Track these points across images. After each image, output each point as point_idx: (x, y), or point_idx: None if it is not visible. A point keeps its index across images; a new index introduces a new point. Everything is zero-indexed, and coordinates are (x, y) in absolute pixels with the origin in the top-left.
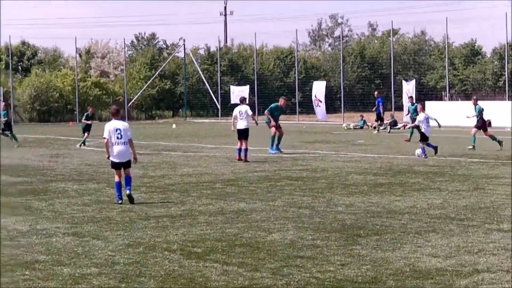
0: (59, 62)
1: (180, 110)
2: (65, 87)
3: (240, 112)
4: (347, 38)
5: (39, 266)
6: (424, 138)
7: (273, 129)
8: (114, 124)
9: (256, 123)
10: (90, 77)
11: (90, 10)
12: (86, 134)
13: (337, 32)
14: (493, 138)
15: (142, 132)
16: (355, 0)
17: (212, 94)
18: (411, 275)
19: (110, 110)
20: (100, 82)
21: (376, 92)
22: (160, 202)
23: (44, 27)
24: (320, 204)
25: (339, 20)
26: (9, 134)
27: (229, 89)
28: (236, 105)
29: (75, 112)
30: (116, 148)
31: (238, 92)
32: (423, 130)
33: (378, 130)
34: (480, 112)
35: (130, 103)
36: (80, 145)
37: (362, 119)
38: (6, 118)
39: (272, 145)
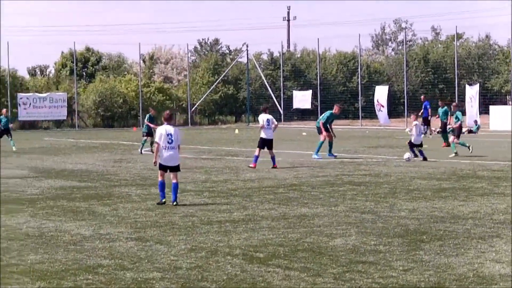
0: (123, 68)
1: (243, 115)
2: (128, 92)
3: (268, 121)
4: (410, 42)
5: (102, 271)
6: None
7: (322, 136)
8: (166, 129)
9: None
10: (154, 82)
11: (153, 16)
12: (147, 137)
13: (400, 37)
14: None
15: (205, 137)
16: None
17: (274, 99)
18: (474, 281)
19: (163, 115)
20: (163, 87)
21: (422, 96)
22: (223, 207)
23: (108, 33)
24: (383, 209)
25: (403, 25)
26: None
27: (292, 94)
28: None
29: (139, 117)
30: (166, 153)
31: (301, 97)
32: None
33: (430, 134)
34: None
35: (193, 108)
36: (141, 151)
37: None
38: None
39: (317, 151)
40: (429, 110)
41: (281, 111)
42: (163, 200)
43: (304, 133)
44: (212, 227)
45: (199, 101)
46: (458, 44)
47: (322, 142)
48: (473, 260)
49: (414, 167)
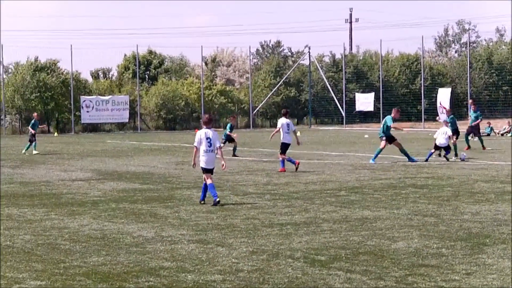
0: (185, 70)
1: (305, 117)
2: (190, 95)
3: (288, 125)
4: (474, 44)
5: (164, 273)
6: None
7: (383, 143)
8: (205, 133)
9: (298, 143)
10: (216, 85)
11: (216, 18)
12: (233, 143)
13: (464, 38)
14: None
15: (267, 139)
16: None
17: (336, 102)
18: None
19: (202, 119)
20: (225, 90)
21: (470, 101)
22: (284, 209)
23: (171, 36)
24: (445, 212)
25: (466, 26)
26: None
27: (354, 96)
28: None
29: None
30: (206, 156)
31: (364, 99)
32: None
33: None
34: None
35: (255, 111)
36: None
37: (489, 126)
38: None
39: (375, 157)
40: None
41: (343, 114)
42: (202, 202)
43: (366, 136)
44: (273, 229)
45: (261, 104)
46: None
47: (382, 150)
48: None
49: (477, 170)
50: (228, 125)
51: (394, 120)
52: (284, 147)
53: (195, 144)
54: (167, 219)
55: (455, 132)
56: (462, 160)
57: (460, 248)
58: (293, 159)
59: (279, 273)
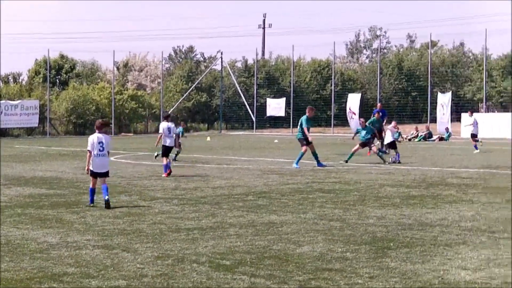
0: (96, 75)
1: (216, 122)
2: (101, 100)
3: (170, 129)
4: (385, 50)
5: (67, 279)
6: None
7: (305, 147)
8: (98, 137)
9: (179, 145)
10: (127, 90)
11: (129, 23)
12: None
13: (375, 44)
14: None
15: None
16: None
17: (247, 107)
18: (440, 287)
19: (95, 124)
20: (136, 95)
21: (379, 104)
22: (191, 214)
23: (83, 41)
24: (351, 217)
25: (378, 32)
26: None
27: (265, 101)
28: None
29: (111, 125)
30: (98, 160)
31: (275, 104)
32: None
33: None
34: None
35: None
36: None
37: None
38: None
39: (298, 160)
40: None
41: (254, 119)
42: (91, 205)
43: (276, 141)
44: (180, 234)
45: (172, 109)
46: (432, 51)
47: (304, 153)
48: (438, 267)
49: (384, 175)
50: (180, 129)
51: (310, 119)
52: (165, 150)
53: (88, 148)
54: (73, 225)
55: (372, 139)
56: (394, 162)
57: (364, 252)
58: (169, 166)
59: (184, 278)
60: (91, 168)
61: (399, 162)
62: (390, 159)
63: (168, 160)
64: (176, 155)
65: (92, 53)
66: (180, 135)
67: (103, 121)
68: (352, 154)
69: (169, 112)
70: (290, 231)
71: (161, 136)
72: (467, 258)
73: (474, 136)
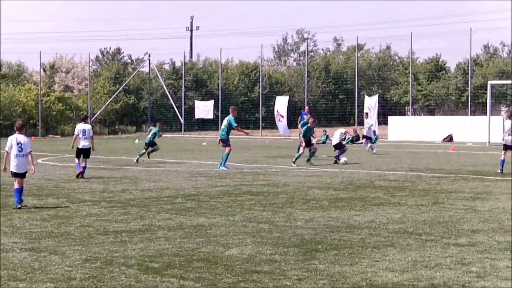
0: (23, 77)
1: (144, 125)
2: (28, 101)
3: (84, 131)
4: (312, 53)
5: None
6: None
7: (228, 148)
8: (16, 138)
9: (93, 148)
10: (54, 92)
11: (55, 24)
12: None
13: (302, 47)
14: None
15: (105, 147)
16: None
17: (176, 109)
18: None
19: (15, 125)
20: (63, 97)
21: (307, 108)
22: (120, 217)
23: (8, 42)
24: (279, 219)
25: (305, 35)
26: None
27: (194, 104)
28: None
29: (38, 126)
30: (16, 160)
31: (203, 107)
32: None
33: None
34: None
35: (94, 117)
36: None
37: (325, 134)
38: None
39: (224, 162)
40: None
41: (182, 121)
42: (19, 207)
43: (204, 143)
44: (108, 237)
45: (100, 111)
46: (359, 55)
47: (228, 154)
48: (366, 269)
49: (312, 177)
50: (156, 130)
51: (235, 118)
52: (78, 152)
53: (6, 149)
54: None
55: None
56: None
57: (293, 254)
58: (80, 167)
59: (112, 281)
60: (11, 169)
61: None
62: (342, 160)
63: (79, 161)
64: (150, 152)
65: (18, 54)
66: (157, 135)
67: (23, 122)
68: (311, 153)
69: (87, 114)
70: (219, 234)
71: (75, 137)
72: (395, 260)
73: (366, 137)
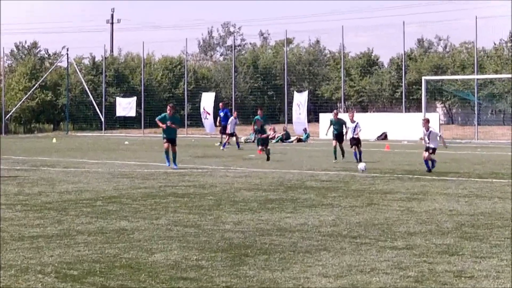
0: None
1: (62, 123)
2: None
3: None
4: (239, 47)
5: None
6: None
7: (167, 144)
8: None
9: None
10: None
11: None
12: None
13: (229, 41)
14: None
15: (20, 146)
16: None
17: (96, 106)
18: None
19: None
20: None
21: (221, 104)
22: (36, 221)
23: None
24: (206, 222)
25: (231, 29)
26: None
27: (115, 101)
28: (122, 118)
29: None
30: None
31: (125, 104)
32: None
33: (221, 143)
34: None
35: (8, 115)
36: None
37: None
38: None
39: (169, 160)
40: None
41: (103, 119)
42: None
43: (126, 142)
44: (23, 243)
45: (14, 108)
46: (288, 49)
47: (174, 153)
48: (299, 274)
49: (240, 178)
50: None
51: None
52: None
53: None
54: None
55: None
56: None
57: (221, 259)
58: None
59: None
60: None
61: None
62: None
63: None
64: None
65: None
66: None
67: None
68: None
69: None
70: (142, 238)
71: None
72: (328, 265)
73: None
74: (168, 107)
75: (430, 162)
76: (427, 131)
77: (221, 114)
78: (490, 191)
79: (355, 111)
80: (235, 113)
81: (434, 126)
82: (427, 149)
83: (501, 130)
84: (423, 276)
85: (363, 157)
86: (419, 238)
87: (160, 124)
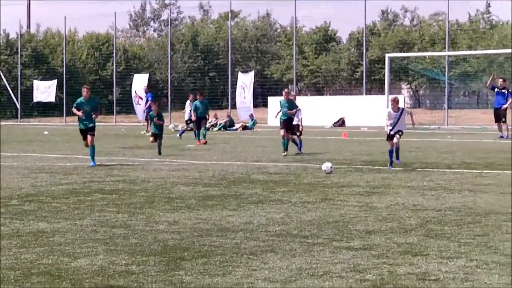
0: None
1: None
2: None
3: None
4: (176, 22)
5: None
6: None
7: (90, 137)
8: None
9: None
10: None
11: None
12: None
13: (164, 15)
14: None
15: None
16: None
17: (10, 91)
18: None
19: None
20: None
21: (145, 87)
22: None
23: None
24: (138, 222)
25: (167, 1)
26: None
27: (32, 84)
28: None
29: None
30: None
31: (44, 88)
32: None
33: (147, 131)
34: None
35: None
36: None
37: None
38: None
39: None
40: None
41: (18, 106)
42: None
43: (46, 132)
44: None
45: None
46: (232, 24)
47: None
48: (242, 279)
49: (177, 171)
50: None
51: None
52: None
53: None
54: None
55: None
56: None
57: (154, 264)
58: None
59: None
60: None
61: None
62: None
63: None
64: None
65: None
66: None
67: None
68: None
69: None
70: (64, 242)
71: None
72: (276, 268)
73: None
74: (84, 90)
75: (394, 154)
76: (396, 111)
77: (149, 99)
78: (460, 184)
79: (293, 93)
80: (191, 95)
81: None
82: (391, 136)
83: (475, 114)
84: (383, 279)
85: (317, 146)
86: (379, 237)
87: (77, 113)
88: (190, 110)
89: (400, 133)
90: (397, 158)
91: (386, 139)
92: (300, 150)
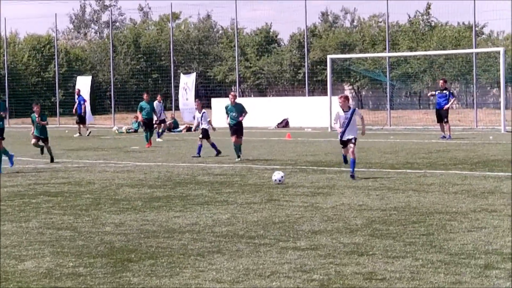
0: None
1: None
2: None
3: None
4: (117, 24)
5: None
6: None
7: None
8: None
9: None
10: None
11: None
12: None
13: (104, 17)
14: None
15: None
16: None
17: None
18: None
19: None
20: None
21: (77, 90)
22: None
23: None
24: (84, 224)
25: (107, 2)
26: None
27: None
28: None
29: None
30: None
31: None
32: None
33: (80, 133)
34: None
35: None
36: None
37: (136, 121)
38: None
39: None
40: (83, 106)
41: None
42: None
43: None
44: None
45: None
46: (174, 25)
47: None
48: (189, 280)
49: (122, 173)
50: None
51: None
52: None
53: None
54: None
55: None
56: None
57: (101, 265)
58: None
59: None
60: None
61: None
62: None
63: None
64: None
65: None
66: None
67: None
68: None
69: None
70: (10, 244)
71: None
72: (223, 269)
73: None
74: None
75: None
76: (347, 111)
77: (82, 102)
78: (404, 184)
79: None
80: (159, 96)
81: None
82: (345, 142)
83: (417, 114)
84: (330, 279)
85: (261, 147)
86: (325, 237)
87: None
88: (160, 112)
89: (353, 141)
90: (352, 170)
91: (339, 143)
92: (198, 153)
